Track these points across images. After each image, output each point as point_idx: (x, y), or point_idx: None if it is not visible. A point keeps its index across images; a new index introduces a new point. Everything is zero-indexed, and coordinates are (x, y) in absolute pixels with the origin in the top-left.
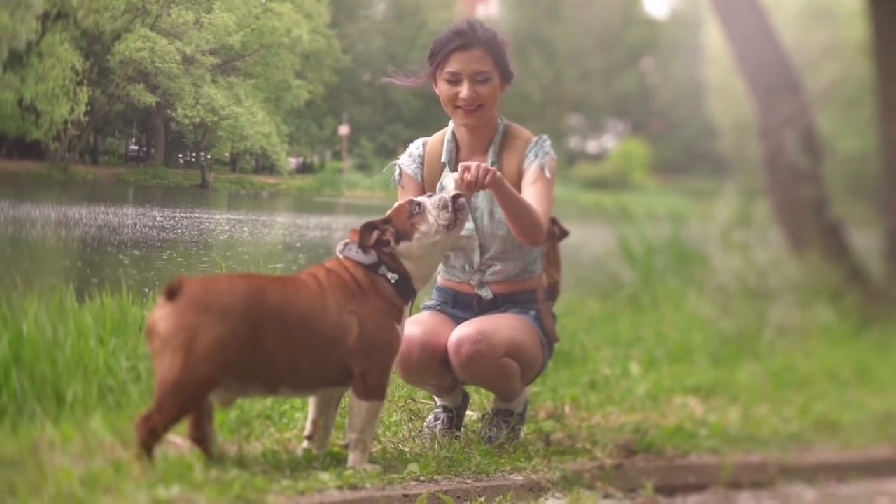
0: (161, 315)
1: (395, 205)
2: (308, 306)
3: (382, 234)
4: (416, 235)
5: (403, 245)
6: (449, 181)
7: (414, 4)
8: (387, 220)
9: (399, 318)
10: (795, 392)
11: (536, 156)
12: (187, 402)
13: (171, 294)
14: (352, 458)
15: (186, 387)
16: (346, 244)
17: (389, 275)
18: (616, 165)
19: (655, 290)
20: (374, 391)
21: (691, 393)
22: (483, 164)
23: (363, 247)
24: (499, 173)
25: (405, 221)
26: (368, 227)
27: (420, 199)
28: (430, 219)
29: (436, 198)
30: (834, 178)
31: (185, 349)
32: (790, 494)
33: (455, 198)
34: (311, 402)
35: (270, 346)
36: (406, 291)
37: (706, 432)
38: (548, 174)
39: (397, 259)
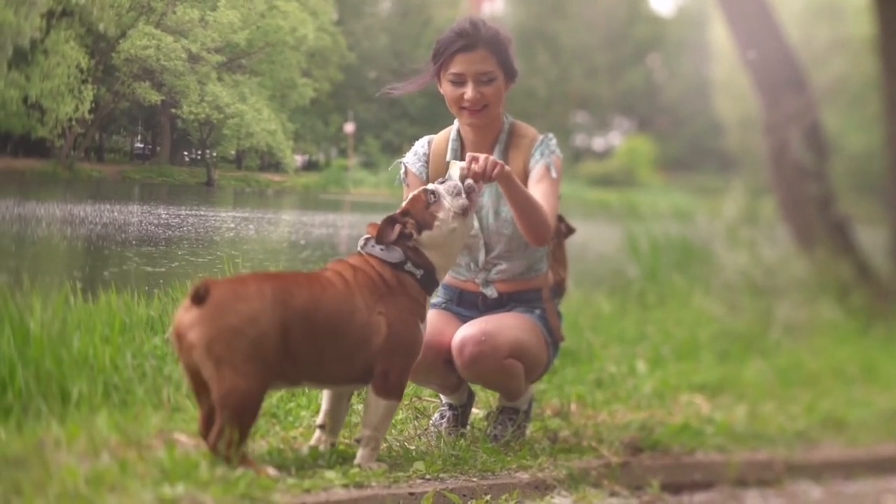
0: (190, 321)
1: (410, 196)
2: (336, 307)
3: (404, 227)
4: (436, 223)
5: (426, 234)
6: (454, 170)
7: (419, 1)
8: (405, 213)
9: (423, 315)
10: (802, 389)
11: (542, 155)
12: (253, 407)
13: (199, 298)
14: (360, 454)
15: (247, 394)
16: (367, 240)
17: (415, 270)
18: (622, 162)
19: (662, 288)
20: (394, 390)
21: (698, 390)
22: (491, 157)
23: (385, 242)
24: (507, 167)
25: (423, 211)
26: (389, 222)
27: (433, 186)
28: (446, 204)
29: (449, 184)
30: (840, 174)
31: (229, 358)
32: (797, 492)
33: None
34: (325, 394)
35: (297, 346)
36: (430, 284)
37: (712, 430)
38: (553, 173)
39: (421, 252)
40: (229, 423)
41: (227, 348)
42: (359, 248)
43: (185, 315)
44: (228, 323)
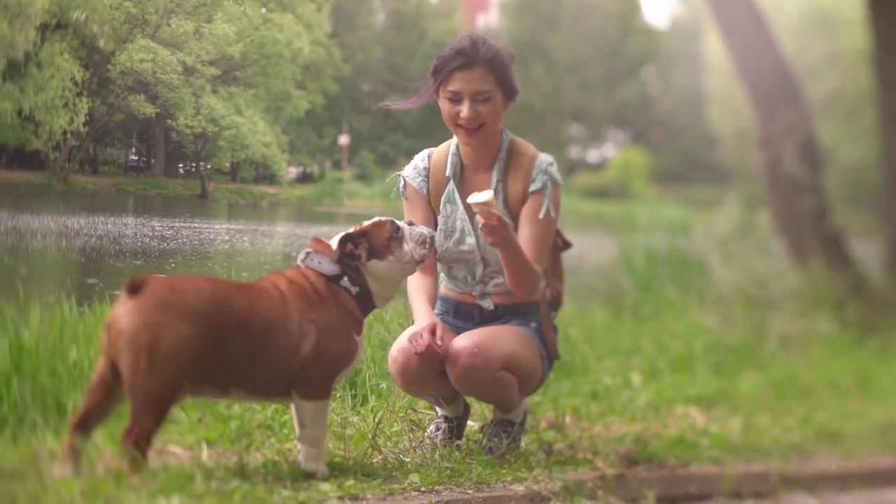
0: (123, 311)
1: (375, 219)
2: (271, 315)
3: (355, 248)
4: (390, 258)
5: (372, 262)
6: (479, 197)
7: (414, 14)
8: (363, 234)
9: (359, 329)
10: (797, 402)
11: (544, 186)
12: (163, 403)
13: (134, 290)
14: (302, 453)
15: (157, 389)
16: (307, 253)
17: (351, 287)
18: (616, 175)
19: (656, 300)
20: (318, 392)
21: (693, 403)
22: (507, 226)
23: (334, 257)
24: (516, 240)
25: (383, 240)
26: (344, 240)
27: (401, 224)
28: (406, 248)
29: (417, 231)
30: (834, 187)
31: (150, 350)
32: None
33: (433, 238)
34: (296, 419)
35: (230, 350)
36: (366, 305)
37: (707, 442)
38: (553, 213)
39: (361, 273)
40: (137, 420)
41: (151, 341)
42: (298, 262)
43: (119, 306)
44: (159, 316)
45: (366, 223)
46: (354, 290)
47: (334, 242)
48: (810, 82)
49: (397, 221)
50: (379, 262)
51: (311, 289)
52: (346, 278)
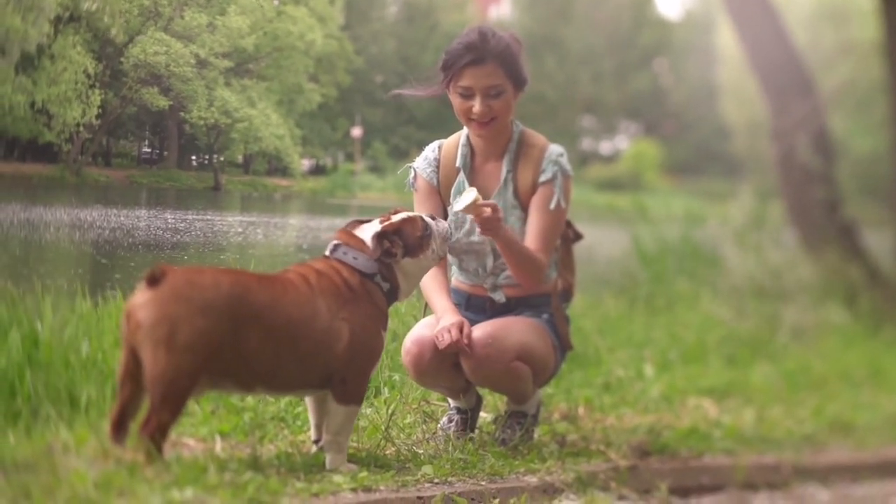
0: (141, 302)
1: (405, 215)
2: (296, 310)
3: (392, 246)
4: (421, 256)
5: (406, 261)
6: (468, 196)
7: (426, 6)
8: (397, 231)
9: (385, 324)
10: (809, 393)
11: (555, 177)
12: (179, 395)
13: (153, 281)
14: (328, 459)
15: (174, 381)
16: (336, 245)
17: (383, 283)
18: (629, 166)
19: (669, 291)
20: (354, 396)
21: (705, 394)
22: (499, 214)
23: (371, 255)
24: (508, 230)
25: (416, 238)
26: (380, 238)
27: (429, 221)
28: (434, 246)
29: (444, 227)
30: (847, 178)
31: (167, 343)
32: (804, 495)
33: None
34: (310, 408)
35: (252, 346)
36: (391, 300)
37: (720, 433)
38: (563, 204)
39: (393, 270)
40: (156, 411)
41: (168, 333)
42: (326, 253)
43: (138, 296)
44: (177, 309)
45: (394, 218)
46: (386, 286)
47: (364, 236)
48: (822, 74)
49: (425, 217)
50: (411, 260)
51: (343, 284)
52: (379, 276)
